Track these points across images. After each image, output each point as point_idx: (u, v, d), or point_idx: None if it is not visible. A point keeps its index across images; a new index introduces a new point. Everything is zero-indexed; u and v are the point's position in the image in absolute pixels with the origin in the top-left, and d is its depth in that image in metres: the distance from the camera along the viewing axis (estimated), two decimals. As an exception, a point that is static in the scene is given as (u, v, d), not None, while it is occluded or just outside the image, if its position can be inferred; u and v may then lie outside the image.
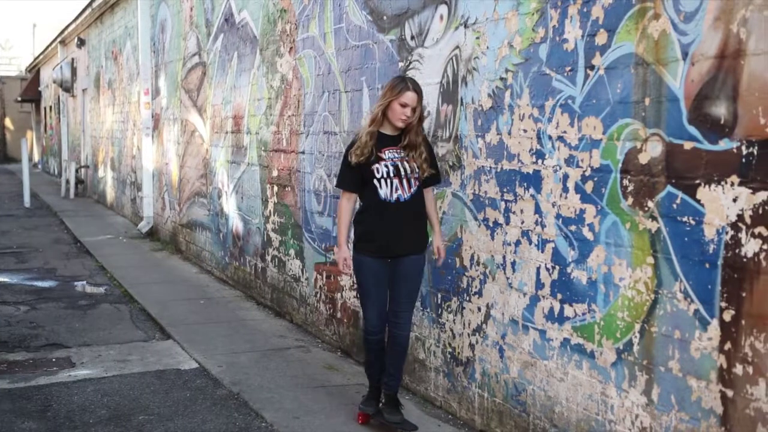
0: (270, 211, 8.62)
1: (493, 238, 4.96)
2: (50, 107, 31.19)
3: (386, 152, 4.98)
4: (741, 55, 3.35)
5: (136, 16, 14.27)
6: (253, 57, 9.01)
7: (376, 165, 4.95)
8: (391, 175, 4.94)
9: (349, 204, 5.11)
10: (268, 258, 8.69)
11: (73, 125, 24.24)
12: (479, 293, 5.12)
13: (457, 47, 5.29)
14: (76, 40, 21.45)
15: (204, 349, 6.98)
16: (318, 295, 7.47)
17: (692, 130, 3.58)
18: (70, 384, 6.05)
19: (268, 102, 8.57)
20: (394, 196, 4.94)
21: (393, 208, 4.95)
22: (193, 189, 11.59)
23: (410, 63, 5.86)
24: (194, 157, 11.49)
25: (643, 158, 3.85)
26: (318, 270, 7.46)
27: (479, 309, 5.12)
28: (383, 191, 4.94)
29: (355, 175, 5.03)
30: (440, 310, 5.54)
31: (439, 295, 5.54)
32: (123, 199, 16.88)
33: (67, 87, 23.22)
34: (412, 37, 5.84)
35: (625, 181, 3.97)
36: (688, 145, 3.61)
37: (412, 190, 4.97)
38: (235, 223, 9.76)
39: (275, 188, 8.45)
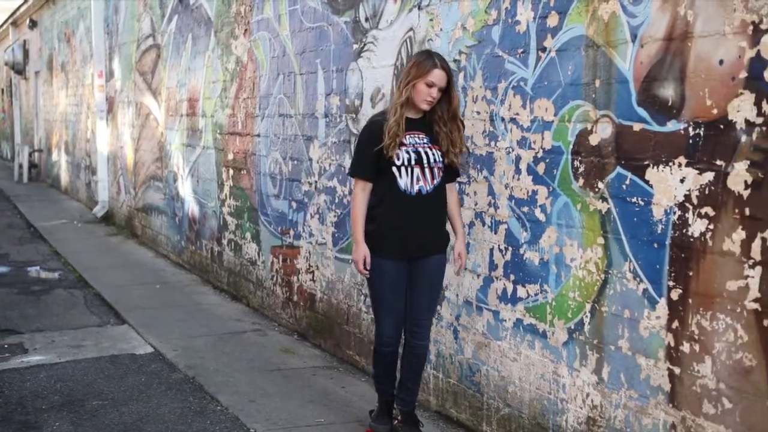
0: (226, 194, 8.57)
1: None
2: (2, 90, 30.64)
3: (408, 137, 4.35)
4: (688, 37, 3.39)
5: (89, -3, 14.06)
6: (207, 39, 8.93)
7: (396, 150, 4.31)
8: (413, 163, 4.32)
9: (364, 194, 4.41)
10: (225, 242, 8.64)
11: (25, 108, 23.86)
12: (434, 275, 5.13)
13: (411, 29, 5.29)
14: (27, 21, 21.06)
15: (159, 334, 6.94)
16: (274, 279, 7.45)
17: (641, 111, 3.62)
18: (22, 370, 5.98)
19: (224, 84, 8.50)
20: (415, 187, 4.33)
21: (413, 201, 4.33)
22: (149, 173, 11.47)
23: (365, 45, 5.84)
24: (149, 141, 11.38)
25: (594, 140, 3.89)
26: (274, 253, 7.44)
27: (434, 291, 5.14)
28: (403, 181, 4.32)
29: (372, 162, 4.35)
30: (395, 292, 5.55)
31: (395, 277, 5.55)
32: (77, 184, 16.67)
33: (19, 69, 22.82)
34: (367, 19, 5.82)
35: (576, 163, 4.01)
36: (637, 127, 3.65)
37: (435, 181, 4.36)
38: (191, 207, 9.68)
39: (231, 171, 8.40)
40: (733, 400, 3.25)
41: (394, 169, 4.32)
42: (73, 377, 5.83)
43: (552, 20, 4.11)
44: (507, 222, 4.49)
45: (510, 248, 4.48)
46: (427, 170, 4.35)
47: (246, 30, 7.87)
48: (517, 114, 4.36)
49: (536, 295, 4.31)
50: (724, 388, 3.29)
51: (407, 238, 4.38)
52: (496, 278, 4.58)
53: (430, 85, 4.24)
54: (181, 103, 9.88)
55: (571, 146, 4.04)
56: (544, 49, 4.18)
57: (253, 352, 6.49)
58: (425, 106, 4.31)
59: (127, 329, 7.18)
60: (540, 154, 4.23)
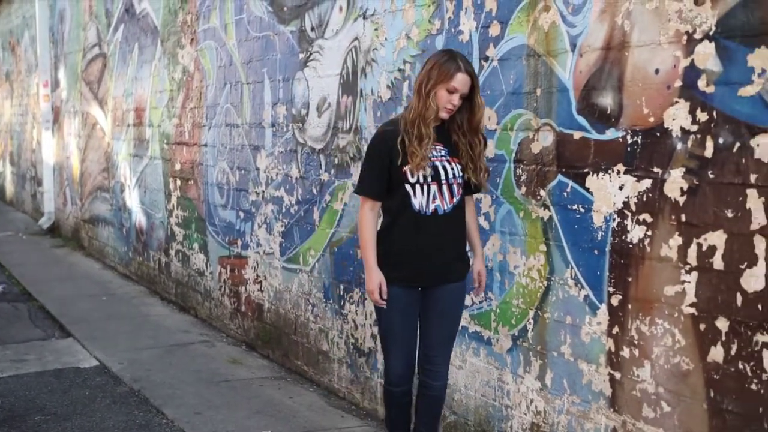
0: (173, 204, 8.49)
1: (393, 229, 4.98)
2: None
3: None
4: (625, 46, 3.44)
5: (34, 5, 13.84)
6: (154, 48, 8.86)
7: (410, 165, 3.77)
8: (429, 179, 3.76)
9: (373, 215, 3.87)
10: (172, 252, 8.56)
11: (-30, 119, 23.40)
12: (380, 284, 5.13)
13: (357, 39, 5.30)
14: (-29, 30, 20.70)
15: (105, 347, 6.84)
16: (222, 289, 7.40)
17: (581, 119, 3.67)
18: (-38, 385, 5.86)
19: (170, 94, 8.43)
20: (431, 207, 3.78)
21: (429, 222, 3.79)
22: (95, 183, 11.33)
23: (311, 54, 5.84)
24: (96, 151, 11.24)
25: (535, 148, 3.93)
26: (222, 263, 7.39)
27: (380, 299, 5.14)
28: (418, 200, 3.77)
29: (383, 178, 3.81)
30: (343, 301, 5.55)
31: (342, 287, 5.55)
32: (23, 195, 16.39)
33: (-37, 79, 22.40)
34: (313, 29, 5.82)
35: (519, 171, 4.05)
36: (577, 135, 3.70)
37: (454, 200, 3.82)
38: (139, 218, 9.58)
39: (178, 182, 8.33)
40: (672, 403, 3.30)
41: (408, 186, 3.76)
42: (15, 392, 5.72)
43: (494, 30, 4.15)
44: (452, 230, 4.51)
45: (455, 256, 4.50)
46: (444, 187, 3.79)
47: (192, 39, 7.82)
48: (461, 123, 4.39)
49: (481, 302, 4.33)
50: (662, 392, 3.33)
51: (422, 264, 3.84)
52: (442, 286, 4.60)
53: (451, 92, 3.70)
54: (128, 112, 9.78)
55: (513, 154, 4.08)
56: (486, 59, 4.21)
57: (200, 363, 6.42)
58: (444, 115, 3.76)
59: (72, 342, 7.07)
60: (483, 163, 4.25)
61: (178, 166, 8.31)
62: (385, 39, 5.00)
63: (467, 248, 4.04)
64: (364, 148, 5.07)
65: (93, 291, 9.19)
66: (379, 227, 3.93)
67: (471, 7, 4.29)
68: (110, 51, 10.38)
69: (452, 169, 3.80)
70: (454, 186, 3.82)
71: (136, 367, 6.27)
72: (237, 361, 6.50)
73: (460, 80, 3.69)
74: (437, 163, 3.79)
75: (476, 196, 4.15)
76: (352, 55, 5.36)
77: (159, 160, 8.83)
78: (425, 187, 3.78)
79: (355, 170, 5.32)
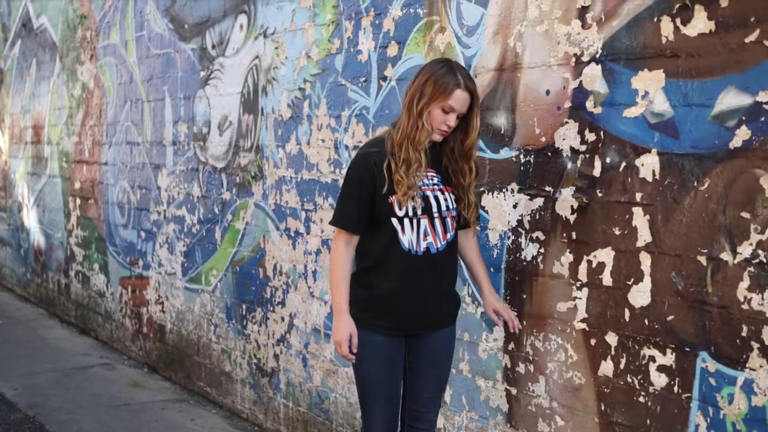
0: (73, 224, 8.29)
1: (294, 248, 4.97)
2: None
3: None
4: (518, 68, 3.51)
5: (-73, 19, 13.39)
6: (52, 64, 8.66)
7: (396, 194, 3.17)
8: (419, 212, 3.18)
9: (348, 251, 3.24)
10: (72, 273, 8.35)
11: None
12: (282, 303, 5.11)
13: (257, 57, 5.28)
14: None
15: (0, 372, 6.62)
16: (123, 311, 7.25)
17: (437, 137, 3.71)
18: None
19: (70, 111, 8.25)
20: (423, 245, 3.19)
21: (420, 263, 3.20)
22: (-8, 203, 10.99)
23: (212, 72, 5.80)
24: (-8, 169, 10.91)
25: (433, 167, 3.97)
26: (123, 284, 7.24)
27: (283, 319, 5.12)
28: (407, 237, 3.18)
29: (363, 209, 3.19)
30: (245, 321, 5.50)
31: (244, 306, 5.50)
32: None
33: None
34: (213, 47, 5.78)
35: (417, 190, 4.08)
36: (472, 154, 3.74)
37: (448, 236, 3.24)
38: (37, 238, 9.32)
39: (78, 201, 8.14)
40: (565, 417, 3.36)
41: (395, 220, 3.17)
42: None
43: (392, 50, 4.19)
44: (352, 249, 4.51)
45: (356, 275, 4.50)
46: (437, 221, 3.21)
47: (92, 55, 7.67)
48: (360, 142, 4.41)
49: (381, 320, 4.34)
50: (556, 407, 3.39)
51: (411, 310, 3.25)
52: (343, 305, 4.59)
53: (447, 111, 3.13)
54: (26, 130, 9.52)
55: (411, 173, 4.10)
56: (384, 78, 4.25)
57: (100, 387, 6.27)
58: (437, 137, 3.18)
59: (-36, 368, 6.82)
60: (382, 182, 4.28)
61: (77, 185, 8.12)
62: (286, 58, 4.99)
63: (460, 285, 3.68)
64: (266, 167, 5.07)
65: (-12, 314, 8.89)
66: (354, 268, 3.30)
67: (369, 27, 4.32)
68: (7, 66, 10.11)
69: (446, 199, 3.22)
70: (448, 220, 3.23)
71: (32, 393, 6.08)
72: (138, 384, 6.36)
73: (459, 98, 3.11)
74: (428, 193, 3.19)
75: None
76: (253, 74, 5.34)
77: (58, 178, 8.62)
78: (415, 222, 3.17)
79: (257, 189, 5.29)
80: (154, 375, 6.65)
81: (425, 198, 3.18)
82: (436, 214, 3.20)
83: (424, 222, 3.19)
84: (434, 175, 3.23)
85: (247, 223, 5.42)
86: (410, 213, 3.16)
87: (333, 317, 3.25)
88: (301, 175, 4.88)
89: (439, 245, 3.22)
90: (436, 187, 3.23)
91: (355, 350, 3.20)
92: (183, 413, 5.69)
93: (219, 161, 5.72)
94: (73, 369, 6.77)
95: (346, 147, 4.51)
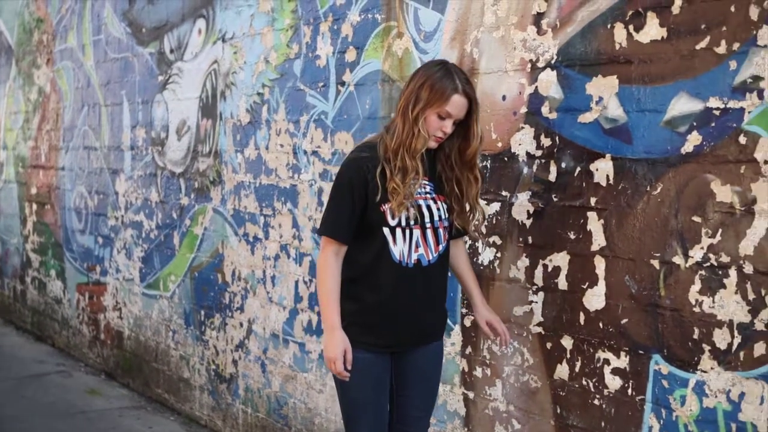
0: (29, 230, 8.19)
1: (253, 253, 4.95)
2: None
3: None
4: (474, 73, 3.53)
5: None
6: (8, 68, 8.56)
7: (391, 204, 2.97)
8: (411, 222, 2.99)
9: (338, 261, 3.02)
10: (28, 280, 8.25)
11: None
12: (241, 309, 5.09)
13: (216, 61, 5.26)
14: None
15: (-47, 380, 6.52)
16: (80, 317, 7.17)
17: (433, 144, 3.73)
18: None
19: (26, 116, 8.15)
20: (414, 256, 3.01)
21: (410, 276, 3.02)
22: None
23: (170, 77, 5.76)
24: (-53, 174, 10.74)
25: (391, 172, 3.97)
26: (80, 290, 7.16)
27: (241, 324, 5.09)
28: (398, 249, 2.99)
29: (353, 217, 2.99)
30: (204, 327, 5.47)
31: (203, 312, 5.46)
32: None
33: None
34: (172, 51, 5.75)
35: (375, 195, 4.08)
36: (430, 159, 3.76)
37: (440, 247, 3.06)
38: (-8, 244, 9.19)
39: (34, 206, 8.04)
40: (521, 421, 3.38)
41: (386, 230, 2.99)
42: None
43: (350, 55, 4.19)
44: (311, 254, 4.51)
45: (314, 280, 4.49)
46: (429, 232, 3.03)
47: (49, 59, 7.59)
48: (319, 147, 4.41)
49: (340, 325, 4.34)
50: (513, 410, 3.41)
51: (401, 325, 3.06)
52: (302, 310, 4.59)
53: (444, 117, 2.94)
54: (-19, 134, 9.39)
55: (369, 178, 4.11)
56: (343, 84, 4.25)
57: (55, 394, 6.19)
58: (433, 144, 3.00)
59: None
60: (341, 187, 4.27)
61: (34, 190, 8.02)
62: (244, 62, 4.98)
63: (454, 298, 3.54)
64: (224, 172, 5.04)
65: (-58, 321, 8.75)
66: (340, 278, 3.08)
67: (328, 32, 4.32)
68: (-38, 70, 9.96)
69: (438, 209, 3.04)
70: (440, 231, 3.05)
71: (-15, 401, 6.00)
72: (95, 392, 6.29)
73: (456, 104, 2.93)
74: (420, 202, 3.00)
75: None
76: (211, 78, 5.31)
77: (14, 183, 8.51)
78: (407, 232, 2.99)
79: (216, 194, 5.27)
80: (111, 382, 6.58)
81: (417, 207, 2.99)
82: (428, 225, 3.02)
83: (416, 233, 3.00)
84: (426, 183, 3.04)
85: (206, 229, 5.39)
86: (403, 223, 2.97)
87: (324, 333, 3.03)
88: (259, 180, 4.86)
89: (430, 257, 3.03)
90: (428, 195, 3.04)
91: (349, 367, 2.97)
92: (141, 420, 5.63)
93: (177, 166, 5.69)
94: (28, 377, 6.67)
95: (305, 152, 4.51)
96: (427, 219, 3.01)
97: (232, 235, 5.14)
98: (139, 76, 6.16)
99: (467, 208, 3.09)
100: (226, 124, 5.16)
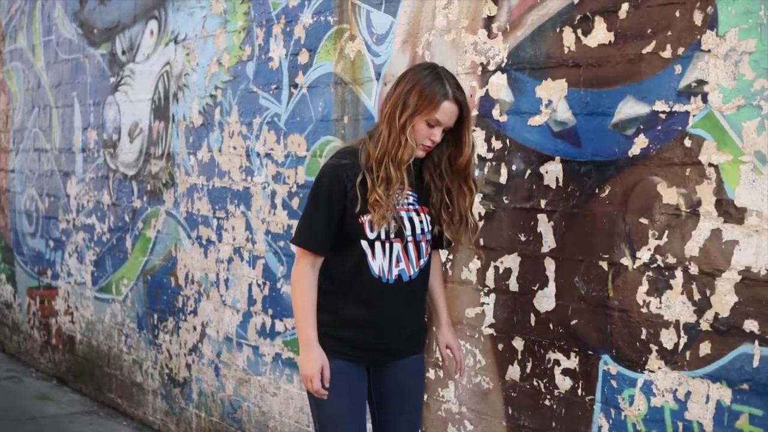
0: (-22, 233, 8.05)
1: (206, 256, 4.92)
2: None
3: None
4: (426, 76, 3.54)
5: None
6: (-44, 69, 8.40)
7: (370, 215, 2.76)
8: (392, 235, 2.79)
9: (314, 273, 2.82)
10: (-22, 284, 8.11)
11: None
12: (195, 312, 5.05)
13: (168, 63, 5.22)
14: None
15: None
16: (32, 322, 7.06)
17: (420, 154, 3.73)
18: None
19: (-25, 117, 8.02)
20: (394, 272, 2.81)
21: (390, 292, 2.82)
22: None
23: (122, 78, 5.71)
24: None
25: (344, 174, 3.97)
26: (31, 295, 7.06)
27: (195, 328, 5.06)
28: (377, 263, 2.79)
29: (331, 227, 2.77)
30: (157, 330, 5.42)
31: (156, 316, 5.42)
32: None
33: None
34: (124, 52, 5.69)
35: (328, 197, 4.08)
36: (383, 162, 3.76)
37: (421, 261, 2.87)
38: (-59, 248, 9.03)
39: (-16, 209, 7.91)
40: (474, 422, 3.40)
41: (365, 243, 2.78)
42: None
43: (303, 57, 4.19)
44: (264, 257, 4.49)
45: (268, 283, 4.48)
46: (411, 245, 2.83)
47: (-2, 60, 7.48)
48: (272, 149, 4.39)
49: (293, 328, 4.33)
50: (465, 411, 3.43)
51: (378, 340, 2.86)
52: (255, 313, 4.57)
53: (433, 125, 2.74)
54: (-71, 136, 9.22)
55: (323, 181, 4.10)
56: (296, 86, 4.24)
57: (6, 401, 6.09)
58: (420, 153, 2.79)
59: None
60: (294, 189, 4.27)
61: (-17, 193, 7.89)
62: (197, 64, 4.95)
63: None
64: (177, 175, 5.01)
65: None
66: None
67: (280, 34, 4.31)
68: None
69: (421, 221, 2.84)
70: (422, 244, 2.85)
71: (-67, 408, 5.89)
72: (47, 397, 6.21)
73: (447, 111, 2.72)
74: (403, 214, 2.80)
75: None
76: (164, 80, 5.27)
77: (-37, 186, 8.36)
78: (387, 246, 2.79)
79: (168, 197, 5.23)
80: (63, 387, 6.50)
81: (399, 219, 2.78)
82: (410, 238, 2.81)
83: (397, 246, 2.80)
84: (410, 193, 2.82)
85: (159, 232, 5.34)
86: (382, 236, 2.77)
87: (300, 349, 2.81)
88: (212, 182, 4.84)
89: (412, 273, 2.83)
90: (411, 207, 2.83)
91: (327, 384, 2.77)
92: (93, 426, 5.57)
93: (129, 168, 5.63)
94: (-23, 383, 6.58)
95: (258, 154, 4.49)
96: (408, 232, 2.80)
97: (185, 238, 5.10)
98: (90, 78, 6.09)
99: (457, 218, 2.88)
100: (179, 127, 5.12)
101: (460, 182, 2.84)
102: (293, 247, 2.72)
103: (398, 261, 2.80)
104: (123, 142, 5.70)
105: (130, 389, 5.72)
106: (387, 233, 2.76)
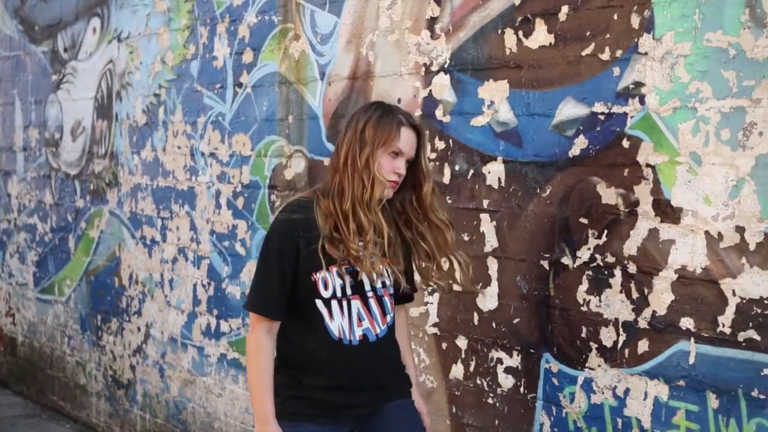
0: None
1: (150, 256, 4.87)
2: None
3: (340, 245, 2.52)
4: (370, 76, 3.55)
5: None
6: None
7: (323, 272, 2.50)
8: (348, 292, 2.53)
9: (270, 340, 2.52)
10: None
11: None
12: (139, 312, 5.00)
13: (111, 61, 5.16)
14: None
15: None
16: (-28, 324, 6.93)
17: (331, 146, 3.74)
18: None
19: None
20: (358, 332, 2.54)
21: (356, 355, 2.54)
22: None
23: (64, 76, 5.62)
24: None
25: (288, 174, 3.97)
26: (-29, 296, 6.92)
27: (139, 329, 5.01)
28: (336, 324, 2.52)
29: (285, 288, 2.50)
30: (100, 332, 5.35)
31: (99, 317, 5.35)
32: None
33: None
34: (66, 50, 5.61)
35: (273, 197, 4.07)
36: (327, 161, 3.76)
37: (387, 318, 2.60)
38: None
39: None
40: (418, 421, 3.41)
41: (320, 303, 2.52)
42: None
43: (247, 57, 4.16)
44: (209, 257, 4.46)
45: (212, 283, 4.45)
46: (372, 302, 2.57)
47: (-64, 57, 7.31)
48: (217, 149, 4.37)
49: (239, 329, 4.31)
50: (410, 410, 3.44)
51: (348, 405, 2.57)
52: (200, 314, 4.54)
53: (396, 154, 2.52)
54: None
55: (267, 180, 4.09)
56: (240, 85, 4.22)
57: (-55, 404, 5.99)
58: (389, 192, 2.55)
59: None
60: (239, 189, 4.25)
61: None
62: (141, 63, 4.89)
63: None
64: (121, 174, 4.95)
65: None
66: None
67: (225, 33, 4.29)
68: None
69: (387, 273, 2.59)
70: (385, 299, 2.59)
71: None
72: (-13, 400, 6.11)
73: (406, 138, 2.52)
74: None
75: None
76: (107, 78, 5.21)
77: None
78: (345, 304, 2.52)
79: (112, 196, 5.16)
80: (4, 390, 6.39)
81: (354, 274, 2.51)
82: (370, 294, 2.55)
83: (356, 303, 2.53)
84: (371, 242, 2.51)
85: (102, 232, 5.28)
86: (338, 293, 2.51)
87: (255, 425, 2.51)
88: (156, 182, 4.79)
89: (378, 331, 2.56)
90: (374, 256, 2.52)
91: None
92: (35, 429, 5.49)
93: (72, 168, 5.55)
94: None
95: (202, 154, 4.46)
96: (367, 287, 2.54)
97: (129, 238, 5.04)
98: (31, 75, 5.99)
99: (442, 261, 2.66)
100: (122, 125, 5.06)
101: (431, 219, 2.60)
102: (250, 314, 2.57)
103: (360, 320, 2.54)
104: (65, 141, 5.62)
105: (74, 391, 5.64)
106: (343, 289, 2.51)
